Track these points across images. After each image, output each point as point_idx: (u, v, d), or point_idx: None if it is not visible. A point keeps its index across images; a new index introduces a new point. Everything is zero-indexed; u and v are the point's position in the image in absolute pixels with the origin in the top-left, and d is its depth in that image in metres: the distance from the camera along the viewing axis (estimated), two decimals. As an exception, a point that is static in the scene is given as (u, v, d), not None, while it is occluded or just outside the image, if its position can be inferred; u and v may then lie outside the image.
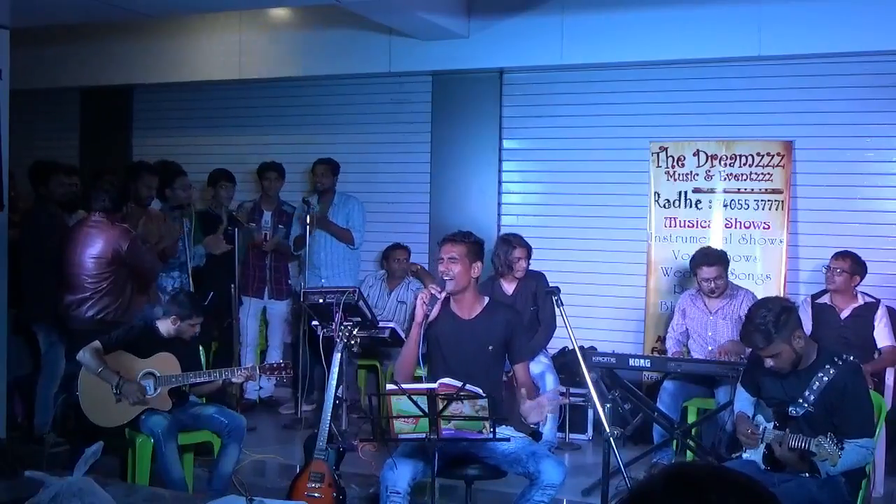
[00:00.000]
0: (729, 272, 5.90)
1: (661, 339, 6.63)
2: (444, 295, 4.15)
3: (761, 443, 3.94)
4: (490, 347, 4.23)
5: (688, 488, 1.40)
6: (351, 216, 7.15)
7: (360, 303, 5.91)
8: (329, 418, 4.53)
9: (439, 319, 4.25)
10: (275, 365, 5.24)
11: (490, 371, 4.21)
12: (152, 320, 5.07)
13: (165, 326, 5.00)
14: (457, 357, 4.20)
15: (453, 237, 4.27)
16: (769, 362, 3.85)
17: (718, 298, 5.76)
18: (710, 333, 5.76)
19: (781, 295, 6.21)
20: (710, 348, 5.72)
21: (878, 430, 4.19)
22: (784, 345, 3.80)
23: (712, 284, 5.71)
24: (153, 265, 5.86)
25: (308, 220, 6.76)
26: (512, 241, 6.00)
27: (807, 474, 3.76)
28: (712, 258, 5.76)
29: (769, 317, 3.79)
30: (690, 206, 6.60)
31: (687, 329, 5.90)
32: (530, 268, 6.05)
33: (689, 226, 6.61)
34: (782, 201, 6.36)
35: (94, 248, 5.55)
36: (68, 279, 5.62)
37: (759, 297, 5.84)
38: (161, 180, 6.53)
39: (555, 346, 6.19)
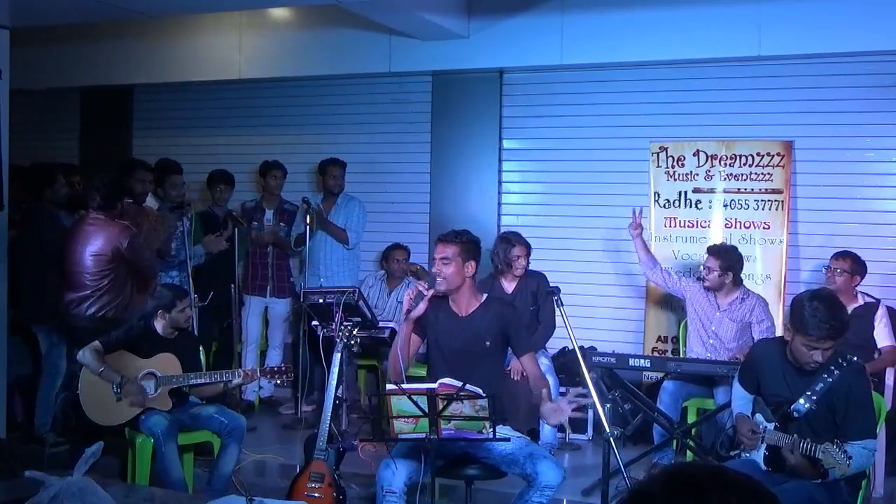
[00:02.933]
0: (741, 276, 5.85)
1: (662, 339, 6.64)
2: (430, 293, 4.16)
3: (762, 443, 3.93)
4: (487, 343, 4.24)
5: (688, 488, 1.40)
6: (350, 216, 7.15)
7: (360, 303, 5.91)
8: (329, 418, 4.53)
9: (438, 318, 4.27)
10: (276, 368, 5.23)
11: (489, 366, 4.22)
12: (151, 321, 5.08)
13: (161, 325, 5.03)
14: (455, 354, 4.22)
15: (446, 237, 4.26)
16: (817, 356, 3.75)
17: (727, 296, 5.73)
18: (713, 328, 5.74)
19: (782, 295, 6.21)
20: (710, 341, 5.72)
21: (878, 430, 4.18)
22: None
23: (704, 272, 5.74)
24: (153, 262, 5.85)
25: (308, 219, 6.77)
26: (511, 240, 6.00)
27: (819, 480, 3.70)
28: (718, 251, 5.74)
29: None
30: (690, 206, 6.60)
31: (680, 283, 5.97)
32: (531, 268, 6.06)
33: (689, 226, 6.61)
34: (782, 201, 6.36)
35: (94, 246, 5.53)
36: (68, 277, 5.60)
37: (760, 297, 5.85)
38: (157, 178, 6.53)
39: (555, 346, 6.19)
